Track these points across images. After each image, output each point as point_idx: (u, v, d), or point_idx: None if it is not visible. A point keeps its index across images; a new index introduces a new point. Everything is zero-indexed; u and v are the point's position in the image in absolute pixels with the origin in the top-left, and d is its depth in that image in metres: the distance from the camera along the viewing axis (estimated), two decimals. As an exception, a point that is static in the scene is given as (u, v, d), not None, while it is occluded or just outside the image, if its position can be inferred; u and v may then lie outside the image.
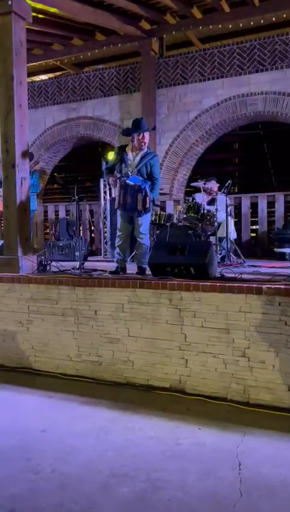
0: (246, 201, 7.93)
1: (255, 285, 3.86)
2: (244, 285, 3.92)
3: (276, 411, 3.73)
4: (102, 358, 4.54)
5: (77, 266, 5.11)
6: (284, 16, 7.97)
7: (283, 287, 3.75)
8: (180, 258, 4.45)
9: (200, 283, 4.10)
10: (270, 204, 7.86)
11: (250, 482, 2.75)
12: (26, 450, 3.16)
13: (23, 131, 5.46)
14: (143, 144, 4.96)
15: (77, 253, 5.42)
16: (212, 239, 6.77)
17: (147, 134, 4.98)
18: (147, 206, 4.82)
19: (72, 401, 4.07)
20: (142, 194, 4.78)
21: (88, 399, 4.11)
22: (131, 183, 4.79)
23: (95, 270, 5.32)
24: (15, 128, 5.32)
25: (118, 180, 4.85)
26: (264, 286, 3.81)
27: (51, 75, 11.21)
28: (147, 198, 4.81)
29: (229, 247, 6.39)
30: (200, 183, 6.86)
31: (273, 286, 3.78)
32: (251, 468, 2.92)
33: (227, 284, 3.99)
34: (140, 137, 4.94)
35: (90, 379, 4.57)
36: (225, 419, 3.64)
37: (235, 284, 3.96)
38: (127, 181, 4.80)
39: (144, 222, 5.02)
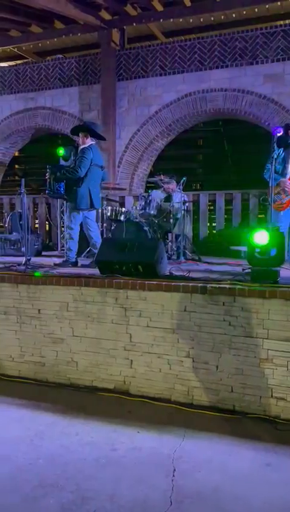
0: (204, 198, 7.87)
1: (200, 285, 3.76)
2: (190, 284, 3.82)
3: (219, 412, 3.66)
4: (45, 358, 4.36)
5: (23, 262, 4.87)
6: (245, 13, 7.95)
7: (227, 286, 3.67)
8: (129, 255, 4.31)
9: (146, 282, 3.98)
10: (229, 202, 7.83)
11: (183, 489, 2.66)
12: None
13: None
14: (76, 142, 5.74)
15: (23, 249, 5.18)
16: (169, 236, 6.69)
17: (80, 136, 5.39)
18: (47, 179, 5.21)
19: (10, 404, 3.87)
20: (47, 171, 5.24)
21: (27, 402, 3.92)
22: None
23: (43, 266, 5.11)
24: None
25: None
26: (209, 285, 3.72)
27: (11, 63, 10.79)
28: (47, 172, 5.23)
29: (185, 244, 6.31)
30: (156, 179, 6.75)
31: (218, 285, 3.70)
32: (185, 474, 2.83)
33: (173, 283, 3.89)
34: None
35: (33, 380, 4.38)
36: (166, 421, 3.54)
37: (181, 283, 3.86)
38: None
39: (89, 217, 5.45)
